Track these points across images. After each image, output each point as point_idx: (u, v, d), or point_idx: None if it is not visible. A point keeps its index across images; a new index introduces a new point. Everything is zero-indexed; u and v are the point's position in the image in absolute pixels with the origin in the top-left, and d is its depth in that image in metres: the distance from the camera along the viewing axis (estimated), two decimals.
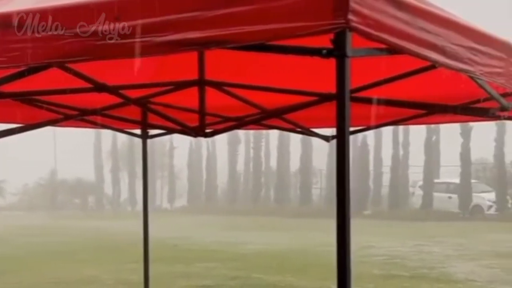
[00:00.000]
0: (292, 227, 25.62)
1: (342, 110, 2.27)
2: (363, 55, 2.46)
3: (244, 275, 13.08)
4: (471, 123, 26.75)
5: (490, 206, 29.87)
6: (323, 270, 12.45)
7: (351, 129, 5.44)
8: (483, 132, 27.88)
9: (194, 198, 42.38)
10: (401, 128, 32.22)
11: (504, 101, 3.38)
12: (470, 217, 29.02)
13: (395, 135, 32.93)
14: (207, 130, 4.55)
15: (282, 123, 4.84)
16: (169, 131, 5.16)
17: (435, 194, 31.49)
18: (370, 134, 33.50)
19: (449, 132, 30.19)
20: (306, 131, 5.14)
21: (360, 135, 33.24)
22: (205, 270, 13.95)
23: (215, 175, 42.07)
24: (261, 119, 4.64)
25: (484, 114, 3.66)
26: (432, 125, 30.83)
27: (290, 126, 4.88)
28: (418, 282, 12.19)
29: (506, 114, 3.56)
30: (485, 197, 30.30)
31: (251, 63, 3.92)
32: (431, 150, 32.48)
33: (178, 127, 4.58)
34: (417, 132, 31.81)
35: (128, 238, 16.26)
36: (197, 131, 4.41)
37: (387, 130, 32.65)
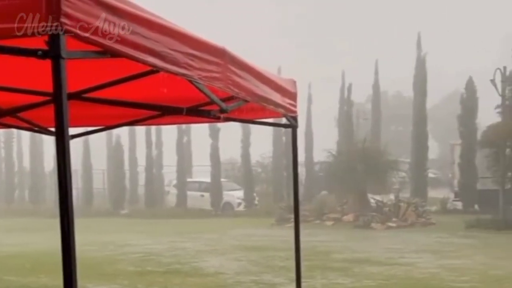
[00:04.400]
0: (48, 228, 24.80)
1: (60, 110, 2.31)
2: (79, 57, 2.54)
3: None
4: (218, 125, 28.00)
5: (239, 203, 31.41)
6: (78, 269, 12.26)
7: (90, 129, 5.49)
8: (230, 133, 29.19)
9: None
10: (153, 128, 32.66)
11: (223, 104, 3.66)
12: (222, 214, 30.27)
13: (148, 135, 33.26)
14: None
15: (19, 123, 4.78)
16: None
17: (189, 193, 32.41)
18: (124, 134, 33.54)
19: (199, 133, 31.18)
20: (47, 132, 5.11)
21: (114, 135, 33.23)
22: None
23: None
24: None
25: (207, 115, 3.93)
26: (183, 127, 31.78)
27: (27, 125, 4.83)
28: (171, 277, 12.52)
29: (226, 115, 3.87)
30: (235, 195, 31.78)
31: None
32: (183, 150, 33.32)
33: None
34: (169, 132, 32.38)
35: None
36: None
37: (140, 131, 32.94)
